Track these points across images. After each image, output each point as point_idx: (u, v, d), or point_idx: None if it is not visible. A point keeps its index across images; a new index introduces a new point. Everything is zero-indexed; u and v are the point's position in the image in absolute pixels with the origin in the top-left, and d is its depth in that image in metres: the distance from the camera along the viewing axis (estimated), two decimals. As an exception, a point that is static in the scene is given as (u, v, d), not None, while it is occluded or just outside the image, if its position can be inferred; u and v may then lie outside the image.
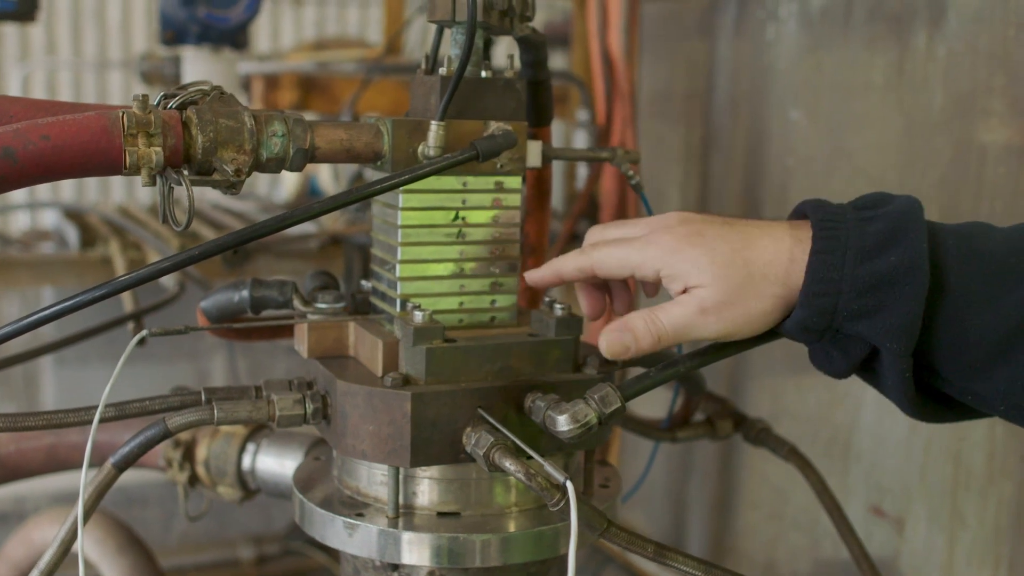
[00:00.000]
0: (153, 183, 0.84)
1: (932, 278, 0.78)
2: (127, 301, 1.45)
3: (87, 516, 0.90)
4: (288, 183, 2.62)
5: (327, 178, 2.61)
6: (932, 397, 0.83)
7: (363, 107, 2.16)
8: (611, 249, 0.87)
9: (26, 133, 0.80)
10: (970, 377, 0.79)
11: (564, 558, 1.03)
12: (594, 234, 0.92)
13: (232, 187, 0.87)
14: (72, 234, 1.87)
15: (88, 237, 1.87)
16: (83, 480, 0.89)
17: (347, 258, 1.94)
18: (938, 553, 1.55)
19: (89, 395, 0.96)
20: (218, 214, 2.13)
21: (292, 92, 2.28)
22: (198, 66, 1.96)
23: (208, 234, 1.87)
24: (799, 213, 0.85)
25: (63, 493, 2.30)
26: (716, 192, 1.99)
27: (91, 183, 3.44)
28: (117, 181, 3.49)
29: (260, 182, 3.39)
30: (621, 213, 1.86)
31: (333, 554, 2.15)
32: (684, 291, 0.83)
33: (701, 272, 0.81)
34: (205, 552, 2.15)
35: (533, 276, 0.93)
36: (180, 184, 0.84)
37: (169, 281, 1.51)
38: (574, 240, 1.77)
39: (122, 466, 0.90)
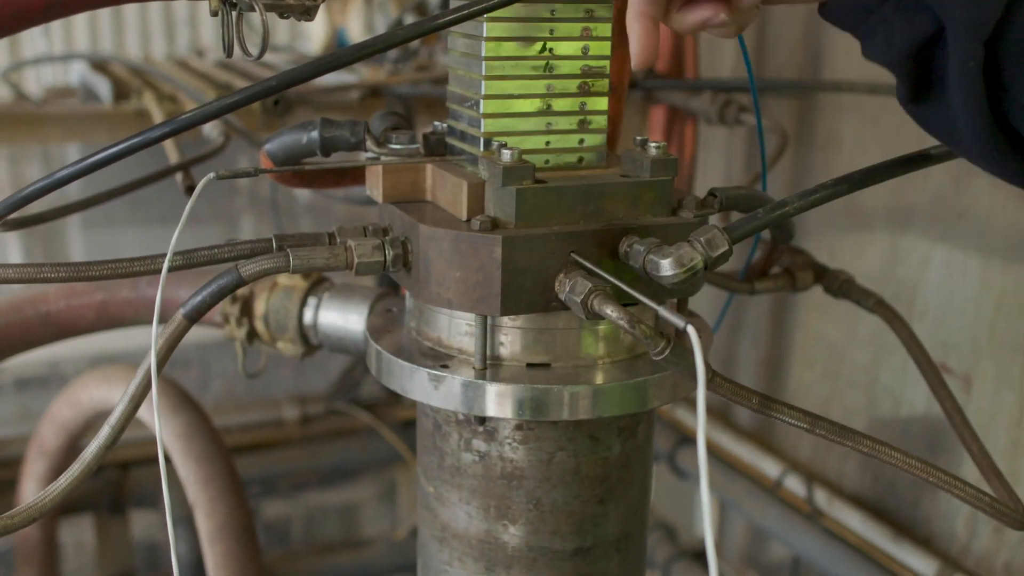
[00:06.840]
0: (218, 11, 0.78)
1: None
2: (171, 154, 1.38)
3: (160, 369, 0.86)
4: (316, 36, 2.52)
5: (357, 30, 2.50)
6: (1008, 140, 0.67)
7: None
8: None
9: (84, -49, 0.73)
10: None
11: (652, 415, 0.99)
12: None
13: (306, 12, 0.80)
14: (103, 87, 1.78)
15: (120, 90, 1.78)
16: (154, 332, 0.84)
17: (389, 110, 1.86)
18: (1006, 411, 1.52)
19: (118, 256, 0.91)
20: (251, 66, 2.04)
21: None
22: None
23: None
24: None
25: (100, 355, 2.27)
26: (773, 39, 1.89)
27: (105, 37, 3.35)
28: (132, 32, 3.37)
29: (280, 36, 3.29)
30: (676, 62, 1.77)
31: (377, 414, 2.14)
32: None
33: None
34: (250, 412, 2.13)
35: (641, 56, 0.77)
36: (253, 10, 0.77)
37: (213, 132, 1.44)
38: (632, 88, 1.68)
39: (193, 317, 0.85)
